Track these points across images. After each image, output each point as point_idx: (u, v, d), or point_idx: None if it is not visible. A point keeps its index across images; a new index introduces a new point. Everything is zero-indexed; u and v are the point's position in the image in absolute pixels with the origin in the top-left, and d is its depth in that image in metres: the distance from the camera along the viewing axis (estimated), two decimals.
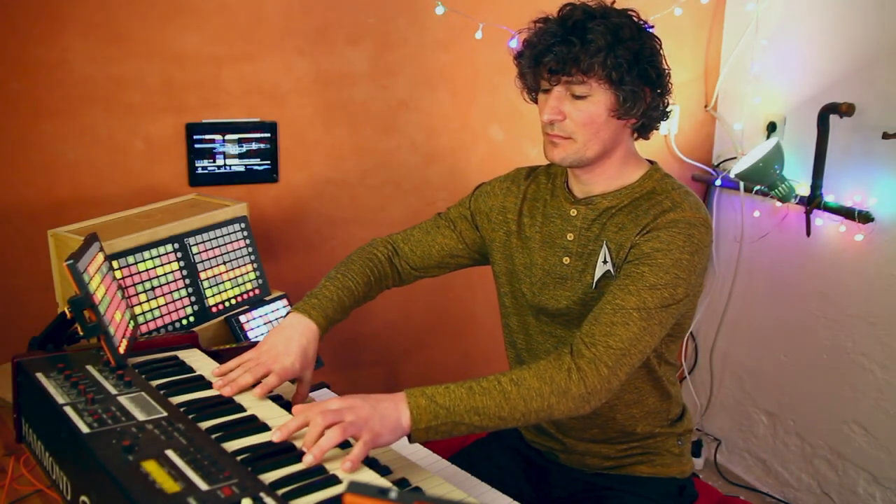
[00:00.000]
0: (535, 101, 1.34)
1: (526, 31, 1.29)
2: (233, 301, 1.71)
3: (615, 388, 1.18)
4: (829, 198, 2.24)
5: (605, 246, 1.30)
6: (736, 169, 2.34)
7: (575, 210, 1.35)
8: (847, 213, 2.18)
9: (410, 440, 1.09)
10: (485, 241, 1.48)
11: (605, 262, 1.30)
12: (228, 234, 1.73)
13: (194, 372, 1.25)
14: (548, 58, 1.22)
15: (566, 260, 1.35)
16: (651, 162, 1.38)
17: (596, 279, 1.31)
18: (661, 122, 1.33)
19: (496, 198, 1.47)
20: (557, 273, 1.36)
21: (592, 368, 1.15)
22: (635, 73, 1.21)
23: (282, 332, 1.26)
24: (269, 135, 2.08)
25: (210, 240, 1.69)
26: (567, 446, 1.46)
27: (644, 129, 1.32)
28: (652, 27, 1.29)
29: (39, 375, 1.15)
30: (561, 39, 1.20)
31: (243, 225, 1.76)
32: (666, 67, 1.28)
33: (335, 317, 1.33)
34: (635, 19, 1.26)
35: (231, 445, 0.98)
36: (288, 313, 1.31)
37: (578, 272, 1.34)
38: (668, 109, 1.31)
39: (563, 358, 1.16)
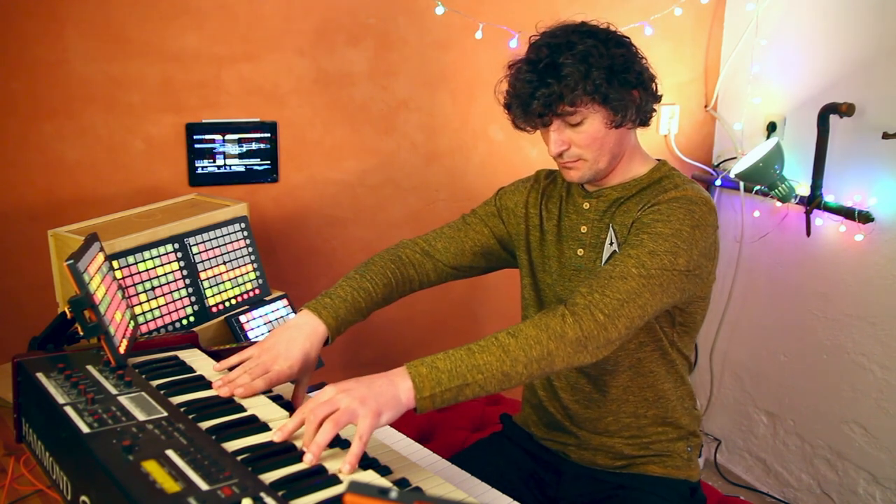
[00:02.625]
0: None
1: (504, 80, 1.34)
2: (233, 301, 1.71)
3: (614, 339, 1.18)
4: (829, 198, 2.24)
5: (611, 228, 1.36)
6: (736, 169, 2.34)
7: (587, 203, 1.41)
8: (847, 213, 2.18)
9: (417, 411, 1.07)
10: (511, 236, 1.52)
11: (611, 243, 1.36)
12: (228, 234, 1.73)
13: (194, 372, 1.25)
14: (533, 105, 1.27)
15: (580, 252, 1.41)
16: (658, 160, 1.43)
17: (603, 261, 1.37)
18: (656, 106, 1.37)
19: (521, 194, 1.52)
20: (573, 265, 1.41)
21: (587, 313, 1.16)
22: (616, 84, 1.26)
23: (286, 332, 1.26)
24: (269, 135, 2.08)
25: (210, 240, 1.69)
26: (581, 440, 1.46)
27: (643, 122, 1.36)
28: (615, 30, 1.32)
29: (40, 375, 1.15)
30: (539, 83, 1.25)
31: (243, 225, 1.76)
32: (642, 59, 1.32)
33: (348, 318, 1.32)
34: (597, 34, 1.29)
35: (231, 445, 0.98)
36: (300, 310, 1.31)
37: (592, 262, 1.39)
38: (659, 94, 1.35)
39: (558, 307, 1.18)
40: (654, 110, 1.36)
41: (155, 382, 1.18)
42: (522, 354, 1.12)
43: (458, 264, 1.51)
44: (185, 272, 1.63)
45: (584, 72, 1.23)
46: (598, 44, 1.26)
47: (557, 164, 1.38)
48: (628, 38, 1.32)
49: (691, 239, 1.24)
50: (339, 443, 1.04)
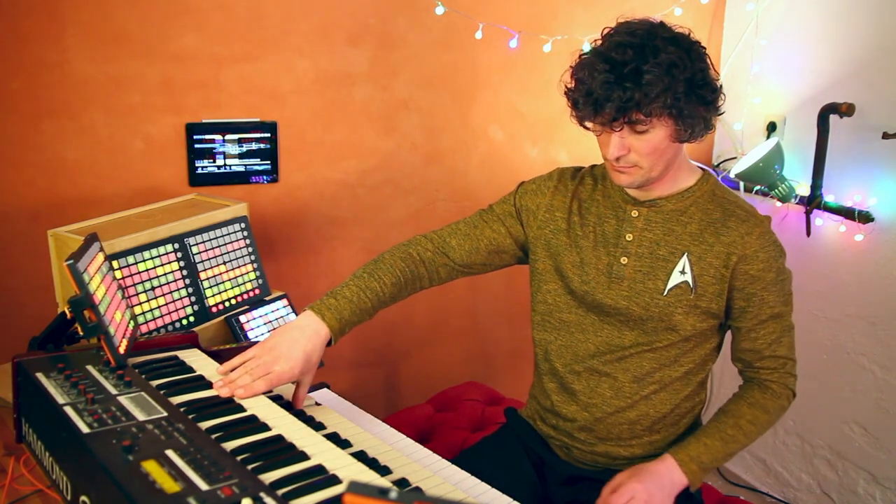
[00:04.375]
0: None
1: (569, 71, 1.28)
2: (233, 301, 1.71)
3: None
4: (829, 198, 2.24)
5: (685, 257, 1.34)
6: (736, 169, 2.34)
7: (637, 211, 1.38)
8: (847, 213, 2.18)
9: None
10: (528, 237, 1.49)
11: (682, 272, 1.34)
12: (228, 234, 1.73)
13: (194, 372, 1.25)
14: (607, 108, 1.21)
15: (624, 260, 1.37)
16: (699, 167, 1.43)
17: (668, 287, 1.34)
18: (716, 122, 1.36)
19: (544, 196, 1.47)
20: (614, 272, 1.38)
21: (791, 382, 1.41)
22: (692, 99, 1.22)
23: (289, 333, 1.26)
24: (269, 135, 2.08)
25: (210, 240, 1.69)
26: (590, 444, 1.46)
27: (701, 137, 1.32)
28: (702, 45, 1.27)
29: (39, 375, 1.15)
30: (616, 86, 1.19)
31: (243, 225, 1.76)
32: (716, 78, 1.27)
33: (352, 319, 1.31)
34: (680, 41, 1.23)
35: (231, 445, 0.98)
36: (304, 310, 1.30)
37: (642, 274, 1.36)
38: (722, 111, 1.30)
39: (774, 388, 1.39)
40: (714, 127, 1.32)
41: (155, 382, 1.18)
42: (757, 435, 1.37)
43: (472, 262, 1.48)
44: (185, 272, 1.63)
45: (667, 84, 1.18)
46: (682, 54, 1.20)
47: (608, 166, 1.33)
48: (704, 47, 1.26)
49: (785, 265, 1.38)
50: (340, 443, 1.05)
